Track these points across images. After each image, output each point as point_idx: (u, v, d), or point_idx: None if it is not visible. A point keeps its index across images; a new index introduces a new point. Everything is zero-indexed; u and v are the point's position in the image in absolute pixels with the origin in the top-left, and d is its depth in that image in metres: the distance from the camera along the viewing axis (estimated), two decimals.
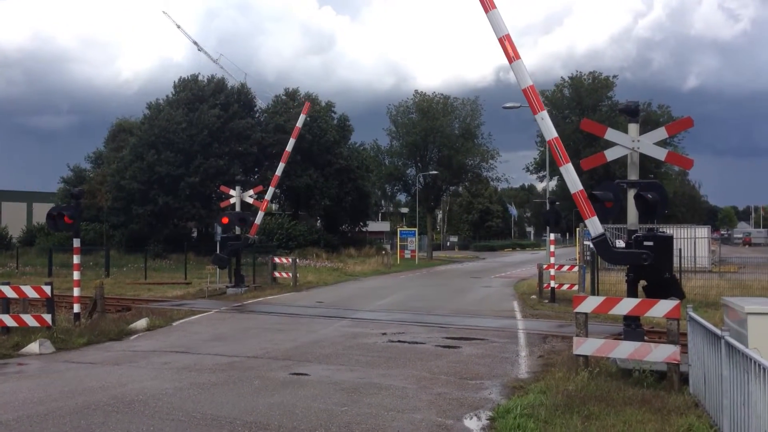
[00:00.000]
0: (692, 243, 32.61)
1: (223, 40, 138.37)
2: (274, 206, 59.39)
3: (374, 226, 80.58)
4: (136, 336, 15.42)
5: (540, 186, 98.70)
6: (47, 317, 14.45)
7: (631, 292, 11.46)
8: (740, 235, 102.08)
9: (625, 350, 10.11)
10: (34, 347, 13.18)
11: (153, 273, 36.97)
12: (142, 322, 16.50)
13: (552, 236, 25.36)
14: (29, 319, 14.39)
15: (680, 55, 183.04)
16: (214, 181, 47.85)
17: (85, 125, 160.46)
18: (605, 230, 11.56)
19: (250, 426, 7.95)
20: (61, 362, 12.25)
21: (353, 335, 15.34)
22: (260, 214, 27.50)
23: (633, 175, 11.61)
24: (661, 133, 12.04)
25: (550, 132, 12.10)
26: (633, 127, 11.62)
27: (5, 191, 75.20)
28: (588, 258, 24.86)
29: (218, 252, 27.00)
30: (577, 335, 10.49)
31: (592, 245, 12.14)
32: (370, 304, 22.34)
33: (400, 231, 60.58)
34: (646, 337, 11.78)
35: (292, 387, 10.00)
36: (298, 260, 32.60)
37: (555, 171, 60.18)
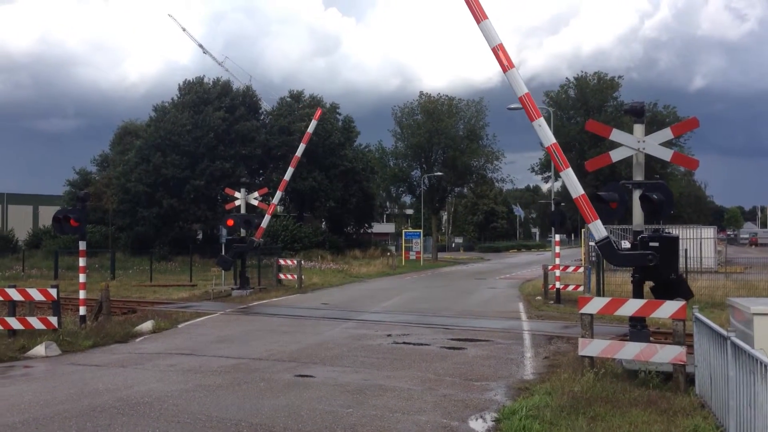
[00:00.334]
0: (698, 243, 32.50)
1: (229, 43, 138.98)
2: (279, 208, 59.45)
3: (379, 227, 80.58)
4: (141, 338, 15.45)
5: (545, 187, 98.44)
6: (53, 320, 14.49)
7: (637, 293, 11.42)
8: (746, 236, 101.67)
9: (630, 351, 10.08)
10: (40, 350, 13.22)
11: (158, 275, 37.05)
12: (147, 325, 16.53)
13: (557, 237, 25.32)
14: (35, 322, 14.44)
15: (687, 55, 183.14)
16: (219, 184, 47.95)
17: (91, 128, 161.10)
18: (609, 232, 11.53)
19: (255, 428, 7.95)
20: (67, 364, 12.28)
21: (358, 337, 15.34)
22: (266, 218, 27.53)
23: (638, 176, 11.57)
24: (666, 133, 12.00)
25: (548, 138, 12.13)
26: (638, 128, 11.59)
27: (11, 194, 75.57)
28: (593, 259, 24.81)
29: (223, 254, 27.05)
30: (582, 336, 10.47)
31: (596, 247, 12.10)
32: (375, 306, 22.34)
33: (405, 232, 60.56)
34: (651, 338, 11.75)
35: (298, 389, 10.00)
36: (303, 262, 32.64)
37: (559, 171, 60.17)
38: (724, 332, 7.46)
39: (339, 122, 58.42)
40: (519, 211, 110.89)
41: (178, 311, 20.29)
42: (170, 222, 50.48)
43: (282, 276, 29.57)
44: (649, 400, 8.78)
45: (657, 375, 9.75)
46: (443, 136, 58.88)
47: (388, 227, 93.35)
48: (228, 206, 29.26)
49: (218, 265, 26.75)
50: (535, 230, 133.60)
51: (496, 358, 12.71)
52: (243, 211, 27.14)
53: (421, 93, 62.32)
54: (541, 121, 12.13)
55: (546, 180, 65.44)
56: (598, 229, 11.37)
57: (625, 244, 12.10)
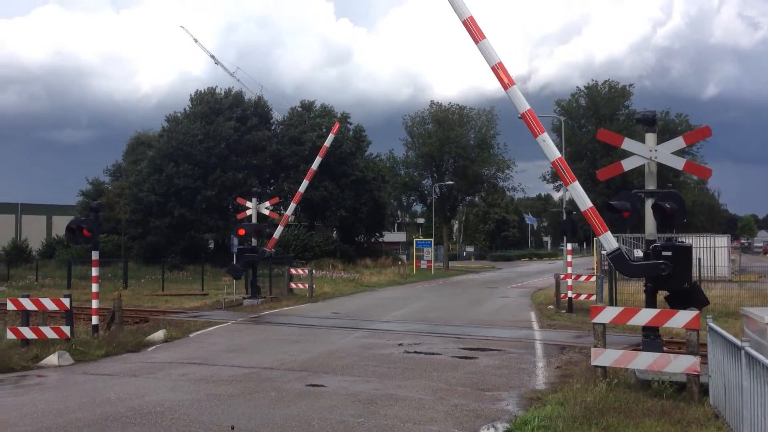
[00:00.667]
0: (712, 252, 32.32)
1: (242, 54, 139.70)
2: (291, 218, 59.56)
3: (390, 236, 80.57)
4: (153, 347, 15.49)
5: (556, 195, 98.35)
6: (66, 329, 14.56)
7: (650, 303, 11.36)
8: (761, 244, 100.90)
9: (643, 361, 10.01)
10: (53, 359, 13.28)
11: (170, 284, 37.17)
12: (159, 334, 16.58)
13: (569, 246, 25.23)
14: (48, 332, 14.51)
15: (699, 63, 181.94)
16: (231, 194, 48.10)
17: (104, 139, 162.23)
18: (621, 242, 11.49)
19: None
20: (79, 374, 12.33)
21: (369, 346, 15.32)
22: (279, 229, 27.64)
23: (651, 185, 11.52)
24: (678, 142, 11.94)
25: (553, 153, 12.16)
26: (650, 137, 11.55)
27: (25, 204, 76.11)
28: (606, 268, 24.69)
29: (234, 262, 27.13)
30: (595, 346, 10.41)
31: (608, 259, 12.03)
32: (386, 315, 22.32)
33: (416, 241, 60.53)
34: (665, 348, 11.67)
35: (309, 398, 9.99)
36: (314, 271, 32.66)
37: None
38: (738, 342, 7.41)
39: (350, 132, 58.53)
40: (531, 220, 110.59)
41: (189, 320, 20.35)
42: (182, 231, 50.66)
43: (293, 285, 29.60)
44: (662, 410, 8.72)
45: (670, 385, 9.68)
46: (454, 145, 58.89)
47: (399, 236, 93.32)
48: (239, 216, 29.35)
49: (229, 274, 26.83)
50: (547, 239, 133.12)
51: (507, 367, 12.65)
52: (254, 220, 27.22)
53: (432, 102, 62.52)
54: (545, 136, 12.17)
55: (557, 189, 65.34)
56: (608, 240, 11.33)
57: (638, 253, 12.05)
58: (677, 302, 10.99)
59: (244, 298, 26.07)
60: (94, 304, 16.12)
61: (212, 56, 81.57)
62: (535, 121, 12.18)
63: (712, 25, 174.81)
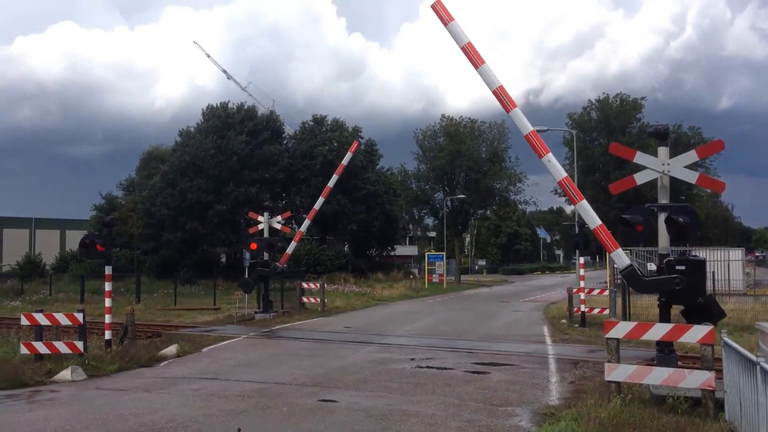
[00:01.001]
0: (726, 266, 32.07)
1: (255, 68, 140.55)
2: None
3: (402, 250, 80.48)
4: (166, 362, 15.51)
5: (569, 209, 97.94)
6: (79, 344, 14.60)
7: (664, 317, 11.27)
8: None
9: (658, 376, 9.92)
10: (66, 374, 13.31)
11: (182, 299, 37.25)
12: (171, 349, 16.60)
13: (581, 260, 25.10)
14: (62, 346, 14.56)
15: (712, 75, 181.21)
16: (243, 208, 48.27)
17: (118, 153, 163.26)
18: (633, 256, 11.45)
19: None
20: (92, 389, 12.36)
21: (381, 361, 15.27)
22: (292, 244, 27.73)
23: (664, 199, 11.47)
24: (691, 156, 11.89)
25: (559, 173, 12.18)
26: (663, 151, 11.51)
27: (39, 219, 76.65)
28: (619, 281, 24.53)
29: (246, 276, 27.19)
30: (608, 361, 10.33)
31: (621, 276, 11.98)
32: (398, 329, 22.26)
33: (428, 255, 60.46)
34: (679, 363, 11.57)
35: (321, 414, 9.96)
36: (326, 285, 32.67)
37: (584, 193, 59.72)
38: (753, 357, 7.34)
39: (362, 145, 58.68)
40: (543, 233, 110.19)
41: (202, 335, 20.37)
42: (194, 246, 50.84)
43: (305, 299, 29.60)
44: (677, 426, 8.63)
45: (685, 400, 9.58)
46: (465, 158, 58.92)
47: (411, 250, 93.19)
48: (251, 230, 29.43)
49: (240, 288, 26.89)
50: (559, 252, 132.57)
51: (520, 382, 12.57)
52: (266, 234, 27.28)
53: (443, 116, 62.51)
54: (550, 156, 12.21)
55: (569, 202, 65.06)
56: (620, 257, 11.29)
57: (651, 267, 11.98)
58: (693, 316, 10.90)
59: (256, 313, 26.09)
60: (107, 318, 16.16)
61: (224, 71, 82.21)
62: (539, 142, 12.24)
63: (725, 38, 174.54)
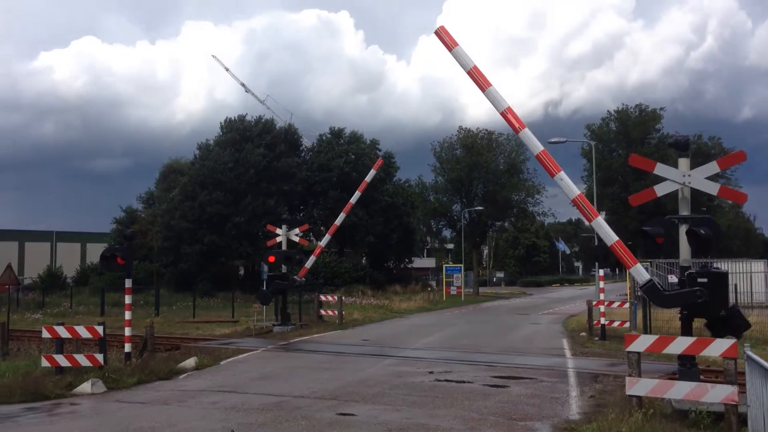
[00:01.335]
0: (748, 278, 31.61)
1: (273, 81, 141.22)
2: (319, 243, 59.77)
3: (420, 262, 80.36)
4: (185, 375, 15.56)
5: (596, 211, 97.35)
6: (99, 357, 14.69)
7: (686, 330, 11.14)
8: None
9: (680, 391, 9.80)
10: (86, 387, 13.39)
11: (201, 311, 37.40)
12: (190, 362, 16.65)
13: (601, 272, 24.90)
14: (82, 359, 14.64)
15: (734, 85, 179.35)
16: (261, 220, 48.47)
17: (138, 166, 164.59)
18: (654, 268, 11.35)
19: None
20: (112, 402, 12.42)
21: (399, 374, 15.21)
22: (312, 259, 27.78)
23: (684, 211, 11.36)
24: (712, 167, 11.78)
25: (572, 191, 12.15)
26: (683, 162, 11.41)
27: (61, 232, 77.50)
28: (639, 294, 24.30)
29: (264, 288, 27.25)
30: (629, 375, 10.22)
31: (641, 291, 11.88)
32: (416, 342, 22.18)
33: (446, 267, 60.27)
34: (702, 377, 11.42)
35: (339, 427, 9.93)
36: (343, 298, 32.65)
37: (603, 205, 59.41)
38: None
39: (378, 157, 58.80)
40: (562, 245, 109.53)
41: (220, 348, 20.42)
42: (213, 258, 51.08)
43: (323, 312, 29.60)
44: None
45: (708, 415, 9.46)
46: (483, 170, 58.82)
47: (429, 262, 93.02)
48: (269, 243, 29.52)
49: (257, 299, 26.96)
50: (578, 264, 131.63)
51: (540, 396, 12.47)
52: (284, 247, 27.34)
53: (460, 128, 62.48)
54: (562, 174, 12.18)
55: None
56: (639, 273, 11.20)
57: (673, 279, 11.88)
58: (718, 328, 10.76)
59: (274, 325, 26.11)
60: (127, 331, 16.25)
61: (243, 84, 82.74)
62: (550, 161, 12.25)
63: (747, 48, 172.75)
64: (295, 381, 14.41)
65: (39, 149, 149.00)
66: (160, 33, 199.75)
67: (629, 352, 10.33)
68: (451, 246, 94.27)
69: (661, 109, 62.33)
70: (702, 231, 10.77)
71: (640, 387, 10.02)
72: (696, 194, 11.82)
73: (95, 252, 54.44)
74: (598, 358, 17.77)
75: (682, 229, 11.22)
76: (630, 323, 21.53)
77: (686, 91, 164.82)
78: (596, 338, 22.03)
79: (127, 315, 16.29)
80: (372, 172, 29.18)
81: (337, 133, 58.98)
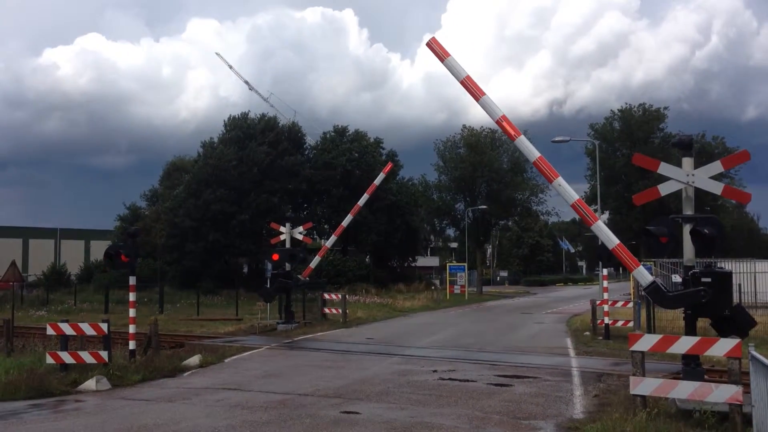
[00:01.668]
0: (752, 278, 31.61)
1: (278, 79, 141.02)
2: (323, 242, 59.83)
3: (423, 261, 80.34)
4: (189, 373, 15.59)
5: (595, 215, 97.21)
6: (104, 354, 14.73)
7: (690, 330, 11.13)
8: None
9: (684, 390, 9.80)
10: (91, 384, 13.43)
11: (205, 309, 37.46)
12: (195, 359, 16.69)
13: (605, 271, 24.88)
14: (86, 356, 14.68)
15: (739, 85, 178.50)
16: (264, 218, 48.54)
17: (143, 164, 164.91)
18: (658, 267, 11.36)
19: None
20: (117, 399, 12.46)
21: (403, 372, 15.23)
22: (316, 259, 27.85)
23: (688, 210, 11.35)
24: (716, 167, 11.76)
25: (571, 196, 12.17)
26: (687, 161, 11.39)
27: (65, 229, 77.68)
28: (643, 293, 24.29)
29: (267, 286, 27.30)
30: (633, 374, 10.22)
31: (645, 294, 11.91)
32: (420, 341, 22.20)
33: (450, 266, 60.29)
34: (706, 377, 11.41)
35: (343, 426, 9.95)
36: (347, 296, 32.67)
37: (607, 204, 59.38)
38: None
39: (382, 156, 58.84)
40: (566, 244, 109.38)
41: (224, 345, 20.46)
42: (216, 256, 51.18)
43: (327, 310, 29.64)
44: None
45: (712, 415, 9.45)
46: (487, 169, 58.83)
47: (433, 261, 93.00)
48: (273, 241, 29.55)
49: (261, 297, 27.02)
50: (582, 264, 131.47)
51: (544, 395, 12.47)
52: (288, 245, 27.37)
53: (464, 126, 62.47)
54: (560, 180, 12.21)
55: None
56: (642, 275, 11.21)
57: (676, 279, 11.88)
58: (723, 327, 10.75)
59: (278, 323, 26.16)
60: (132, 329, 16.29)
61: (246, 82, 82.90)
62: (548, 167, 12.28)
63: (752, 47, 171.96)
64: (299, 379, 14.43)
65: (43, 146, 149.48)
66: (165, 30, 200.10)
67: (633, 352, 10.33)
68: (454, 245, 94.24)
69: (665, 108, 62.36)
70: (706, 230, 10.76)
71: (644, 386, 10.01)
72: (700, 194, 11.81)
73: (99, 249, 54.55)
74: (602, 358, 17.77)
75: (686, 229, 11.21)
76: (634, 323, 21.54)
77: (691, 90, 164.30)
78: (600, 337, 22.02)
79: (132, 312, 16.34)
80: (381, 176, 29.34)
81: (340, 131, 59.00)
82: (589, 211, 12.03)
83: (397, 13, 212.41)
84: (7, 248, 62.22)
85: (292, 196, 53.67)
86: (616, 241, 11.70)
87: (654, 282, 11.19)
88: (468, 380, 14.11)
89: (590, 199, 60.90)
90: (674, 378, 11.43)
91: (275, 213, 48.49)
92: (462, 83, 13.11)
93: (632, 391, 10.12)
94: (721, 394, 9.39)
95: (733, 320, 10.74)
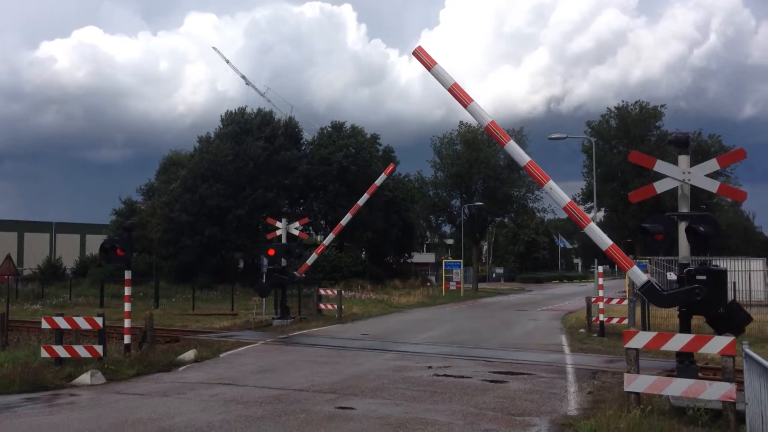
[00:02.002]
0: (747, 276, 31.66)
1: (276, 74, 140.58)
2: (319, 238, 59.84)
3: (419, 257, 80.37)
4: (184, 367, 15.59)
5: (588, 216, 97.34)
6: (99, 348, 14.72)
7: (684, 327, 11.16)
8: None
9: (678, 387, 9.82)
10: (85, 378, 13.42)
11: (200, 304, 37.47)
12: (190, 354, 16.69)
13: (600, 268, 24.92)
14: (81, 350, 14.68)
15: (736, 83, 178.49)
16: (260, 213, 48.52)
17: (139, 158, 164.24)
18: (653, 265, 11.38)
19: None
20: (111, 393, 12.45)
21: (398, 368, 15.25)
22: (313, 256, 27.87)
23: (684, 208, 11.37)
24: (712, 164, 11.78)
25: (562, 199, 12.21)
26: (683, 159, 11.41)
27: (60, 223, 77.46)
28: (638, 291, 24.34)
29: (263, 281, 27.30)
30: (628, 371, 10.24)
31: (640, 293, 11.93)
32: (415, 337, 22.22)
33: (445, 262, 60.30)
34: (700, 374, 11.45)
35: (338, 421, 9.96)
36: (343, 292, 32.69)
37: (603, 202, 59.42)
38: None
39: (379, 152, 58.82)
40: (562, 241, 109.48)
41: (219, 340, 20.46)
42: (212, 251, 51.15)
43: (322, 306, 29.66)
44: None
45: (706, 413, 9.47)
46: (483, 165, 58.81)
47: (428, 257, 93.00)
48: (269, 236, 29.54)
49: (256, 291, 27.02)
50: (578, 261, 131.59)
51: (538, 392, 12.50)
52: (284, 240, 27.36)
53: (461, 123, 62.40)
54: (551, 184, 12.25)
55: (588, 210, 64.66)
56: (637, 275, 11.23)
57: (671, 276, 11.90)
58: (719, 324, 10.78)
59: (273, 319, 26.15)
60: (127, 323, 16.29)
61: (243, 77, 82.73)
62: (538, 171, 12.33)
63: (750, 46, 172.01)
64: (294, 374, 14.44)
65: (39, 139, 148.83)
66: (163, 24, 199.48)
67: (628, 349, 10.35)
68: (450, 241, 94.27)
69: (662, 106, 62.36)
70: (701, 228, 10.79)
71: (638, 383, 10.04)
72: (695, 192, 11.83)
73: (95, 243, 54.51)
74: (597, 355, 17.81)
75: (682, 227, 11.24)
76: (629, 320, 21.60)
77: (689, 88, 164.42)
78: (595, 335, 22.07)
79: (127, 307, 16.32)
80: (383, 176, 29.35)
81: (337, 127, 58.93)
82: (582, 213, 12.07)
83: (396, 9, 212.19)
84: (2, 242, 62.08)
85: (288, 192, 53.63)
86: (609, 242, 11.72)
87: (649, 281, 11.21)
88: (463, 376, 14.13)
89: (587, 195, 61.06)
90: (668, 375, 11.47)
91: (271, 208, 48.51)
92: (449, 90, 13.15)
93: (626, 388, 10.15)
94: (715, 391, 9.42)
95: (729, 317, 10.77)
